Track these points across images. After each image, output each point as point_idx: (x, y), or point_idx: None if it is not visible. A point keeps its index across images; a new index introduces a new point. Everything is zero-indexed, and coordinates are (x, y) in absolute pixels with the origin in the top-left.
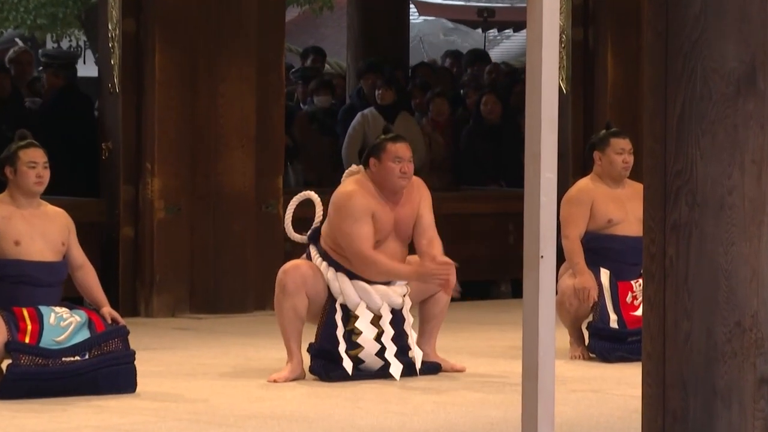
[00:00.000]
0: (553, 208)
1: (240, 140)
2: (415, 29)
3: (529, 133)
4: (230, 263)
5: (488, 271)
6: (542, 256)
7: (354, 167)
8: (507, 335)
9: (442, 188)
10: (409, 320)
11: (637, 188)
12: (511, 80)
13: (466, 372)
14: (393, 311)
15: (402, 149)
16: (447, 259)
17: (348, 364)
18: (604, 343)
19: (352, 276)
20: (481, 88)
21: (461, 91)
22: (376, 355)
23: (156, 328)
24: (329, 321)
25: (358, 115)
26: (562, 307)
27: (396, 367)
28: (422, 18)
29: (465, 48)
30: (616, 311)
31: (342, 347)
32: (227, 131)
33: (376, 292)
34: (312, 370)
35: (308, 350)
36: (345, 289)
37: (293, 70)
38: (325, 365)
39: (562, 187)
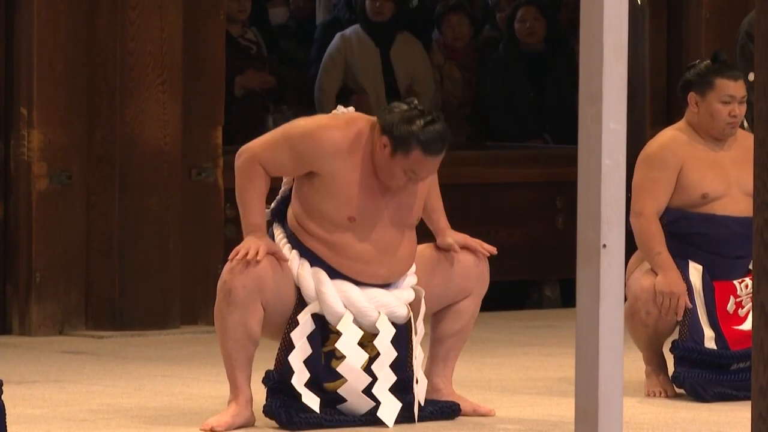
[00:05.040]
0: (620, 175)
1: (159, 74)
2: None
3: (585, 64)
4: (145, 257)
5: (527, 268)
6: (604, 246)
7: (343, 108)
8: (553, 362)
9: (460, 145)
10: (419, 335)
11: (747, 148)
12: None
13: (496, 416)
14: (394, 326)
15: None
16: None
17: (312, 400)
18: (696, 372)
19: (334, 273)
20: None
21: (488, 1)
22: (364, 392)
23: (36, 352)
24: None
25: (337, 37)
26: (635, 318)
27: (388, 409)
28: None
29: None
30: (713, 325)
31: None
32: (140, 61)
33: (371, 298)
34: (268, 411)
35: (264, 382)
36: (323, 292)
37: None
38: (288, 405)
39: (635, 144)
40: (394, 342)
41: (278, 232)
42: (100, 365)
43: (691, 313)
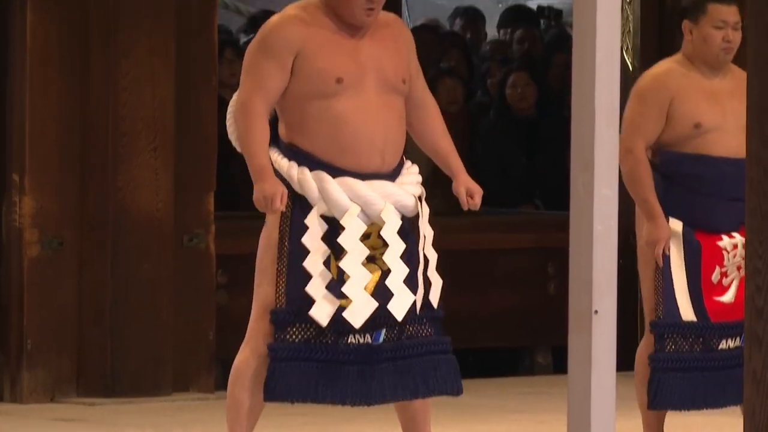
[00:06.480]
0: (612, 242)
1: (151, 140)
2: None
3: (577, 129)
4: (137, 323)
5: (519, 334)
6: (596, 312)
7: None
8: (545, 429)
9: (451, 211)
10: (429, 236)
11: (743, 79)
12: (554, 46)
13: None
14: (403, 220)
15: None
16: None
17: (324, 311)
18: (675, 376)
19: (335, 173)
20: (508, 62)
21: (484, 66)
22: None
23: (27, 419)
24: (296, 261)
25: None
26: (641, 364)
27: (400, 301)
28: None
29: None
30: (695, 295)
31: (320, 292)
32: (132, 127)
33: (375, 188)
34: (277, 346)
35: (272, 321)
36: (327, 189)
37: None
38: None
39: (627, 211)
40: (401, 234)
41: (273, 152)
42: None
43: (664, 285)
